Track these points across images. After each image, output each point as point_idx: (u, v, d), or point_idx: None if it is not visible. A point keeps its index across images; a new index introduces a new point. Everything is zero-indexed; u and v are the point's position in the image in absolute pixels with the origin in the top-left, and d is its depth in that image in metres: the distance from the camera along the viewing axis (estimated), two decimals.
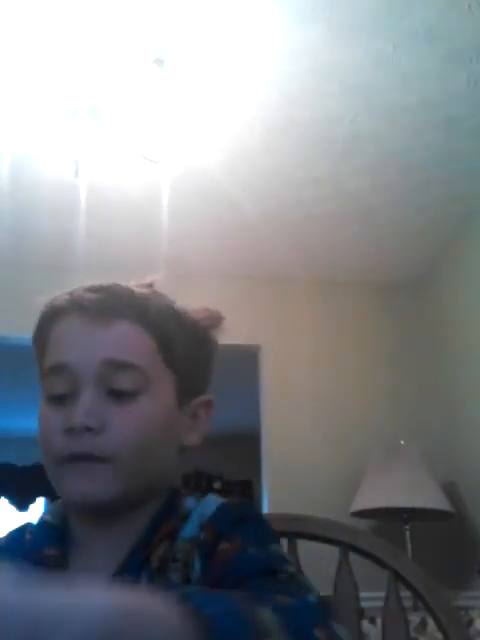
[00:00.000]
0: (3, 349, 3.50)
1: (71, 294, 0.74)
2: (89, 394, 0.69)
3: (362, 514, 2.70)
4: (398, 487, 2.67)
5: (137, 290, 0.75)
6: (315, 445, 3.10)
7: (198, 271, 3.26)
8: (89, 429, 0.68)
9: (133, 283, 0.78)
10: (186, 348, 0.75)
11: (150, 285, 0.80)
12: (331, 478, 3.02)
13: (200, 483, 5.41)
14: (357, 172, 2.61)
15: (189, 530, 0.71)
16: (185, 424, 0.76)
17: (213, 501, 0.73)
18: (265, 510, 3.06)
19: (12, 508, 5.70)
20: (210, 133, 2.38)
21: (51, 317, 0.74)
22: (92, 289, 0.74)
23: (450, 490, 2.79)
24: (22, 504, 5.69)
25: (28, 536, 0.77)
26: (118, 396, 0.70)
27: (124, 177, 2.59)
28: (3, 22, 1.93)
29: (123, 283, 0.76)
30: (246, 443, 4.23)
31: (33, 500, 5.66)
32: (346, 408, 3.18)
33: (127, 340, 0.71)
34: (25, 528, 0.79)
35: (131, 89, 2.12)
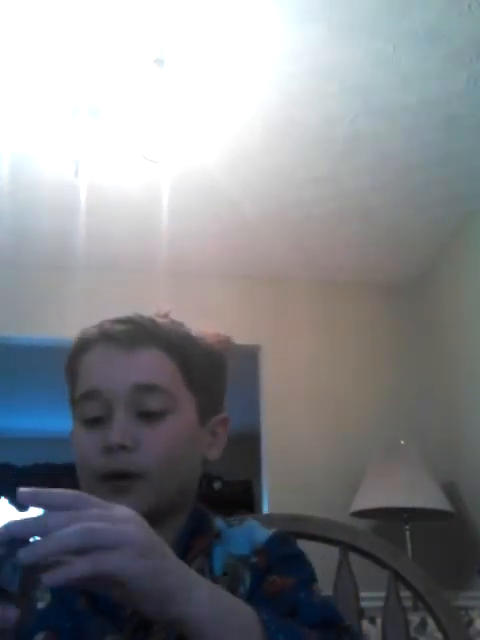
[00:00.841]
0: (3, 349, 3.50)
1: (100, 326, 0.82)
2: (122, 415, 0.76)
3: (362, 514, 2.70)
4: (398, 487, 2.67)
5: (159, 320, 0.83)
6: (315, 445, 3.10)
7: (198, 271, 3.25)
8: (124, 447, 0.75)
9: (153, 314, 0.86)
10: (204, 371, 0.83)
11: (166, 315, 0.87)
12: (331, 478, 3.02)
13: (200, 483, 5.40)
14: (357, 172, 2.60)
15: (238, 549, 0.79)
16: (206, 440, 0.85)
17: (259, 528, 0.83)
18: (265, 510, 3.06)
19: (12, 508, 5.70)
20: (210, 133, 2.38)
21: (82, 348, 0.82)
22: (119, 321, 0.82)
23: (450, 490, 2.79)
24: (22, 504, 5.69)
25: None
26: (148, 416, 0.77)
27: (124, 177, 2.59)
28: (3, 22, 1.93)
29: (144, 314, 0.84)
30: (246, 443, 4.23)
31: None
32: (346, 408, 3.18)
33: (153, 365, 0.79)
34: None
35: (131, 89, 2.12)
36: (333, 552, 1.11)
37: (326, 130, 2.38)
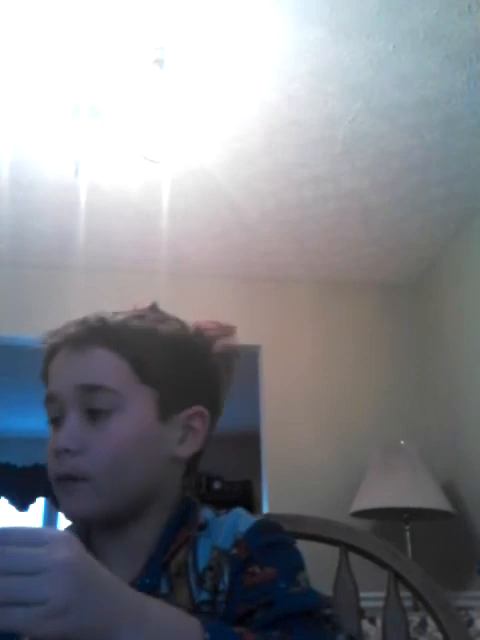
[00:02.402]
0: (3, 349, 3.50)
1: (61, 329, 0.84)
2: (71, 418, 0.78)
3: (362, 514, 2.70)
4: (398, 487, 2.67)
5: (112, 318, 0.83)
6: (315, 445, 3.10)
7: (198, 271, 3.26)
8: (68, 451, 0.76)
9: (130, 308, 0.86)
10: (166, 364, 0.81)
11: (150, 308, 0.88)
12: (331, 478, 3.02)
13: (200, 483, 5.41)
14: (357, 172, 2.61)
15: (222, 541, 0.77)
16: (174, 436, 0.81)
17: (244, 516, 0.79)
18: (265, 510, 3.06)
19: (12, 508, 5.70)
20: (210, 133, 2.38)
21: (49, 353, 0.84)
22: (75, 323, 0.83)
23: (450, 490, 2.79)
24: (22, 504, 5.69)
25: None
26: (95, 416, 0.77)
27: (124, 177, 2.59)
28: (3, 22, 1.93)
29: (104, 312, 0.84)
30: (246, 443, 4.23)
31: (33, 500, 5.66)
32: (346, 408, 3.18)
33: (97, 365, 0.79)
34: None
35: (131, 89, 2.12)
36: (333, 552, 1.11)
37: (326, 130, 2.38)
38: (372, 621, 2.34)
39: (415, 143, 2.45)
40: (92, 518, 0.77)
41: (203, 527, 0.79)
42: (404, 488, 2.66)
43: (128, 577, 0.74)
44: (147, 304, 0.89)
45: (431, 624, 2.26)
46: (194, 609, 0.73)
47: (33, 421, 5.25)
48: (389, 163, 2.56)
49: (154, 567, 0.76)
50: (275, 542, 0.77)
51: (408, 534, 2.67)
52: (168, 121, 2.22)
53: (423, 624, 2.37)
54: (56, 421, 0.79)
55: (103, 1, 1.87)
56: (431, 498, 2.64)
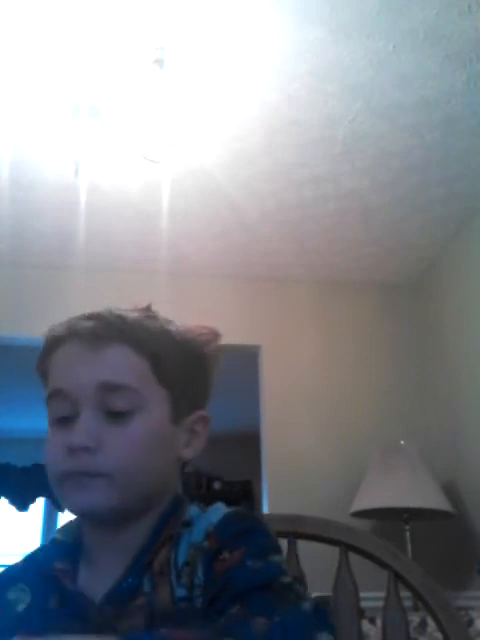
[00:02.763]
0: (3, 349, 3.50)
1: (68, 323, 0.80)
2: (87, 416, 0.75)
3: (362, 514, 2.70)
4: (398, 487, 2.67)
5: (129, 315, 0.81)
6: (315, 445, 3.10)
7: (198, 271, 3.26)
8: (87, 448, 0.74)
9: (130, 307, 0.84)
10: (179, 366, 0.81)
11: (147, 308, 0.85)
12: (331, 478, 3.02)
13: (200, 483, 5.41)
14: (357, 172, 2.61)
15: (197, 536, 0.75)
16: (182, 439, 0.82)
17: (220, 510, 0.78)
18: (265, 510, 3.06)
19: (12, 508, 5.70)
20: (210, 133, 2.38)
21: (51, 346, 0.80)
22: (87, 317, 0.80)
23: (450, 490, 2.79)
24: (22, 504, 5.69)
25: (40, 554, 0.85)
26: (114, 416, 0.75)
27: (124, 177, 2.59)
28: (3, 22, 1.93)
29: (118, 308, 0.82)
30: (246, 443, 4.23)
31: (33, 500, 5.66)
32: (346, 408, 3.18)
33: (119, 363, 0.77)
34: (39, 550, 0.87)
35: (131, 89, 2.12)
36: (333, 552, 1.11)
37: (326, 130, 2.38)
38: (372, 621, 2.33)
39: (415, 143, 2.45)
40: (104, 513, 0.76)
41: (188, 524, 0.78)
42: (404, 488, 2.66)
43: (114, 576, 0.75)
44: (144, 304, 0.87)
45: (431, 624, 2.26)
46: (174, 606, 0.72)
47: (33, 421, 5.25)
48: (389, 163, 2.56)
49: (138, 566, 0.75)
50: (246, 529, 0.75)
51: (408, 534, 2.67)
52: (168, 121, 2.22)
53: (423, 624, 2.37)
54: (65, 418, 0.77)
55: (103, 1, 1.87)
56: (431, 498, 2.64)
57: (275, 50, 2.04)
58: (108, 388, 0.75)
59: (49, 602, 0.76)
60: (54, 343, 0.80)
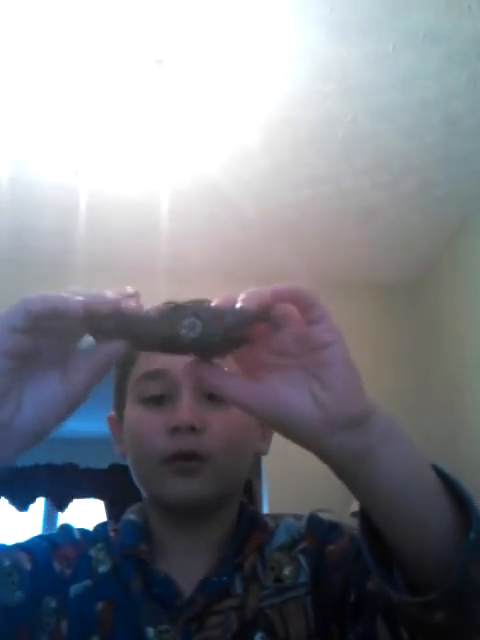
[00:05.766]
0: None
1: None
2: (188, 396, 0.73)
3: None
4: None
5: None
6: None
7: (198, 271, 3.25)
8: (193, 428, 0.72)
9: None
10: None
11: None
12: (331, 478, 2.97)
13: None
14: (356, 172, 2.61)
15: (277, 542, 0.79)
16: (258, 431, 0.84)
17: (293, 520, 0.83)
18: (265, 510, 3.06)
19: (12, 508, 5.70)
20: (210, 134, 2.38)
21: None
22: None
23: None
24: (22, 504, 5.69)
25: (112, 533, 0.81)
26: (214, 399, 0.74)
27: (124, 177, 2.59)
28: (3, 23, 1.93)
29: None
30: None
31: (33, 500, 5.66)
32: None
33: None
34: (107, 524, 0.84)
35: (131, 90, 2.12)
36: None
37: (326, 130, 2.38)
38: None
39: (415, 143, 2.45)
40: (204, 501, 0.74)
41: (271, 533, 0.80)
42: None
43: (198, 572, 0.74)
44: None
45: None
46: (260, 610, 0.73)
47: None
48: (388, 163, 2.56)
49: (227, 566, 0.75)
50: (331, 524, 0.81)
51: None
52: (168, 122, 2.22)
53: None
54: (158, 400, 0.75)
55: (104, 3, 1.87)
56: None
57: (275, 50, 2.04)
58: None
59: (132, 582, 0.74)
60: None
